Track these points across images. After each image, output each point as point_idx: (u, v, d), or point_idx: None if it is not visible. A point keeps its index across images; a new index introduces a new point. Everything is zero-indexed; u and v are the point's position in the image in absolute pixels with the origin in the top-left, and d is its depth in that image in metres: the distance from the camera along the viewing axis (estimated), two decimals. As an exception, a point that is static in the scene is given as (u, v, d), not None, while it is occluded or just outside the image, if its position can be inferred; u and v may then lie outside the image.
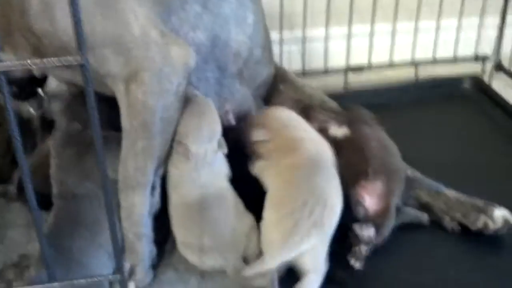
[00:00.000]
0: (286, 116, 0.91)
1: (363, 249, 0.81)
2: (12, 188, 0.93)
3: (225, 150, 0.84)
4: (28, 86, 0.89)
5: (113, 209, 0.57)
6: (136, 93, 0.75)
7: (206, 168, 0.81)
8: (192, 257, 0.81)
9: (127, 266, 0.78)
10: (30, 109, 0.94)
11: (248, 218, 0.83)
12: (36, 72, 0.83)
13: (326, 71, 1.33)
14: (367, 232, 0.81)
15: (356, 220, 0.83)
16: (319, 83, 1.27)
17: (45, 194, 0.87)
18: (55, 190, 0.81)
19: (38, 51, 0.74)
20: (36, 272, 0.74)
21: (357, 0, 1.27)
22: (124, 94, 0.76)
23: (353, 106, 1.02)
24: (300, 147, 0.85)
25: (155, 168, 0.80)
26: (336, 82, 1.32)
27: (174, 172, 0.81)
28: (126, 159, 0.78)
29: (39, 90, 0.90)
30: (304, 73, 1.32)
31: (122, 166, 0.79)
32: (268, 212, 0.79)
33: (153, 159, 0.79)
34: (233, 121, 0.92)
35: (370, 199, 0.84)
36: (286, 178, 0.81)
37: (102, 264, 0.76)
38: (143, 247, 0.80)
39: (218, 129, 0.84)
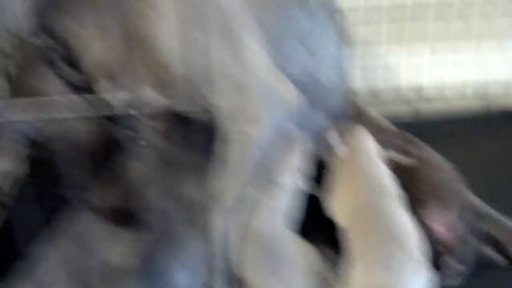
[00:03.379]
0: (364, 139, 0.94)
1: None
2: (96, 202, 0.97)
3: (305, 187, 0.88)
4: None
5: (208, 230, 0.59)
6: (245, 128, 0.80)
7: (284, 202, 0.85)
8: None
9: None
10: (132, 135, 0.97)
11: (308, 250, 0.85)
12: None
13: (396, 99, 1.34)
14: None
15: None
16: (389, 111, 1.29)
17: (125, 209, 0.92)
18: (145, 206, 0.85)
19: (163, 85, 0.79)
20: (122, 283, 0.78)
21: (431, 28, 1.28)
22: (233, 127, 0.80)
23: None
24: (364, 185, 0.88)
25: (248, 198, 0.83)
26: (406, 110, 1.33)
27: (257, 200, 0.83)
28: (225, 189, 0.81)
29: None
30: (373, 100, 1.33)
31: (220, 195, 0.82)
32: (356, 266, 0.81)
33: (248, 189, 0.82)
34: (314, 150, 0.95)
35: (441, 229, 0.86)
36: (357, 224, 0.84)
37: (184, 280, 0.79)
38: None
39: (302, 165, 0.88)
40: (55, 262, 0.91)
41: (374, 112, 1.13)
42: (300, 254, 0.84)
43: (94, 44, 0.81)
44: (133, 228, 0.86)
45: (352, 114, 1.08)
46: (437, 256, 0.83)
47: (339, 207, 0.88)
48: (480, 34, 1.30)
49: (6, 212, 1.03)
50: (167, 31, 0.77)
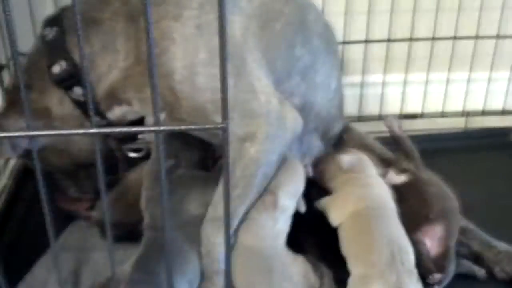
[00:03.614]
0: (364, 160, 1.00)
1: None
2: (95, 214, 1.01)
3: (303, 209, 0.93)
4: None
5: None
6: (249, 150, 0.85)
7: (281, 221, 0.90)
8: None
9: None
10: (131, 154, 1.01)
11: (298, 260, 0.90)
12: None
13: (380, 117, 1.39)
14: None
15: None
16: (373, 128, 1.35)
17: (125, 223, 0.96)
18: (146, 220, 0.90)
19: (171, 108, 0.83)
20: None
21: (414, 49, 1.35)
22: (237, 148, 0.85)
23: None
24: (368, 192, 0.94)
25: (243, 214, 0.88)
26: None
27: (254, 216, 0.89)
28: (219, 203, 0.86)
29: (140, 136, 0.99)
30: (359, 118, 1.39)
31: (213, 208, 0.87)
32: (355, 269, 0.86)
33: (245, 206, 0.88)
34: (311, 173, 1.02)
35: (431, 242, 0.90)
36: (358, 224, 0.89)
37: None
38: (220, 280, 0.87)
39: (302, 189, 0.93)
40: (49, 267, 0.94)
41: (363, 131, 1.18)
42: (293, 266, 0.89)
43: (108, 69, 0.85)
44: (135, 241, 0.90)
45: (344, 134, 1.14)
46: (425, 267, 0.88)
47: (339, 211, 0.93)
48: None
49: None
50: (179, 59, 0.82)
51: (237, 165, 0.85)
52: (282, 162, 0.90)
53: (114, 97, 0.87)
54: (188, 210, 0.91)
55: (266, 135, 0.85)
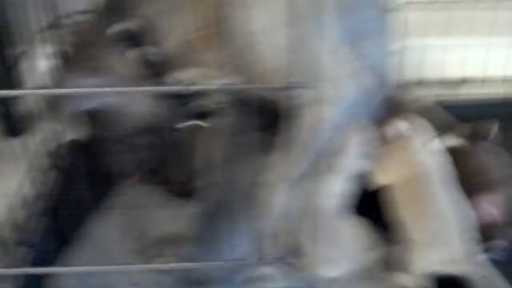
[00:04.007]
0: (421, 125, 0.99)
1: None
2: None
3: (368, 169, 0.93)
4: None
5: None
6: (317, 114, 0.86)
7: (345, 183, 0.90)
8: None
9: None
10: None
11: (354, 223, 0.91)
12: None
13: (420, 83, 1.36)
14: None
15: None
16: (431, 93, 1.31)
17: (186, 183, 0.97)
18: (214, 179, 0.91)
19: (240, 71, 0.84)
20: (184, 249, 0.84)
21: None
22: (308, 110, 0.86)
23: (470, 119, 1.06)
24: (424, 158, 0.93)
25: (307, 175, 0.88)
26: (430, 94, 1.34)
27: (318, 177, 0.89)
28: (283, 163, 0.87)
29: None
30: (419, 82, 1.35)
31: (276, 168, 0.88)
32: (412, 235, 0.85)
33: (309, 167, 0.88)
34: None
35: (493, 209, 0.89)
36: (414, 190, 0.89)
37: (238, 249, 0.85)
38: (276, 240, 0.88)
39: (368, 150, 0.93)
40: (111, 226, 0.97)
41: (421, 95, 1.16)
42: (348, 229, 0.90)
43: (175, 29, 0.85)
44: (194, 201, 0.91)
45: (403, 101, 1.11)
46: (487, 234, 0.87)
47: (388, 172, 0.93)
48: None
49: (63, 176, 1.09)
50: (252, 21, 0.82)
51: (306, 127, 0.86)
52: (349, 124, 0.90)
53: (179, 59, 0.87)
54: (247, 175, 0.91)
55: (337, 98, 0.86)
